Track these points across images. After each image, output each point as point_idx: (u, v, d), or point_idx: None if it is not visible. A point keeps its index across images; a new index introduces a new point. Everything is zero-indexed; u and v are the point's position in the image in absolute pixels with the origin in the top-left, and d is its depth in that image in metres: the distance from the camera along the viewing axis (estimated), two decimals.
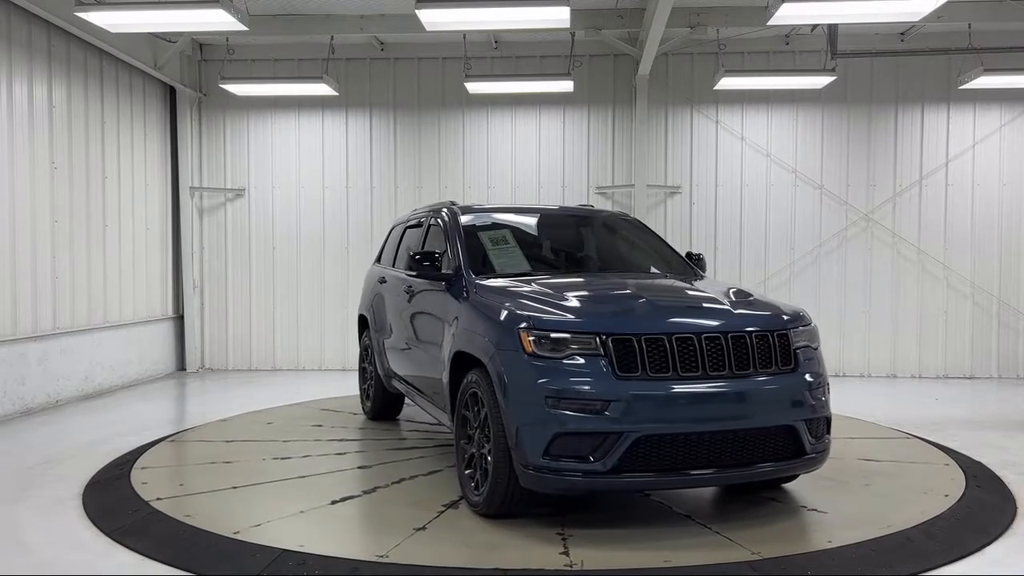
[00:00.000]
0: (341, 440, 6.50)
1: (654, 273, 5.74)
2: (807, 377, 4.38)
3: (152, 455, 6.01)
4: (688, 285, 5.18)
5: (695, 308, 4.66)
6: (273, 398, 8.47)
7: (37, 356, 7.90)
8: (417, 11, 6.85)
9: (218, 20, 7.25)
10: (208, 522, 4.40)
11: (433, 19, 7.07)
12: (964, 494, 4.99)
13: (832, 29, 9.14)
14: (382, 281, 6.97)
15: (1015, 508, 4.81)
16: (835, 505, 4.75)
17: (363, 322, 7.53)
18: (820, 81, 9.44)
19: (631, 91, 10.30)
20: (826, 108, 10.31)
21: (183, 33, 9.53)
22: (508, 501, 4.33)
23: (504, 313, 4.40)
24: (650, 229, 6.51)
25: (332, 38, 9.84)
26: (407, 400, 7.04)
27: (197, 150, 10.79)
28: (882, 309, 10.29)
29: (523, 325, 4.21)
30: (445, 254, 5.53)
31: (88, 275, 8.78)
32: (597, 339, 4.10)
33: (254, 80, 10.19)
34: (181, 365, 10.78)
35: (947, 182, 10.25)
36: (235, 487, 5.12)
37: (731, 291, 4.95)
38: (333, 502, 4.82)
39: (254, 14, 9.11)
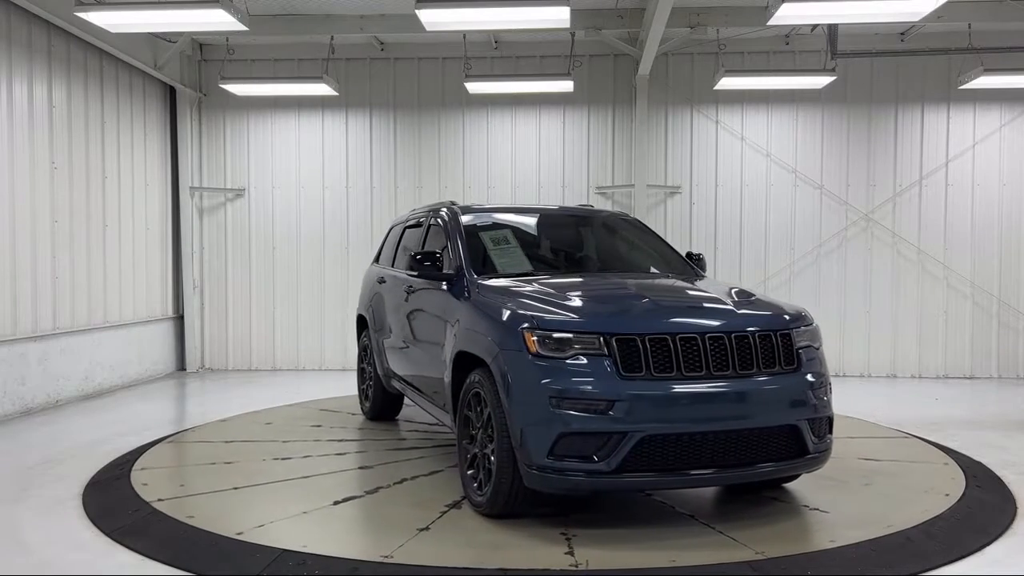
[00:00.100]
0: (341, 440, 6.49)
1: (655, 273, 5.74)
2: (809, 377, 4.39)
3: (152, 455, 6.00)
4: (690, 285, 5.19)
5: (698, 308, 4.67)
6: (273, 398, 8.46)
7: (37, 356, 7.89)
8: (417, 11, 6.84)
9: (218, 20, 7.25)
10: (210, 523, 4.40)
11: (433, 19, 7.07)
12: (964, 494, 5.00)
13: (832, 29, 9.15)
14: (381, 281, 6.96)
15: (1015, 508, 4.81)
16: (837, 505, 4.75)
17: (361, 322, 7.51)
18: (820, 81, 9.45)
19: (631, 91, 10.30)
20: (826, 108, 10.32)
21: (183, 33, 9.53)
22: (512, 501, 4.33)
23: (507, 313, 4.40)
24: (650, 229, 6.51)
25: (332, 38, 9.83)
26: (406, 400, 7.04)
27: (197, 150, 10.78)
28: (882, 309, 10.29)
29: (527, 325, 4.20)
30: (445, 254, 5.53)
31: (88, 275, 8.77)
32: (601, 339, 4.10)
33: (254, 80, 10.19)
34: (181, 365, 10.77)
35: (947, 182, 10.25)
36: (236, 488, 5.11)
37: (733, 291, 4.96)
38: (336, 502, 4.81)
39: (254, 14, 9.10)
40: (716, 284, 5.46)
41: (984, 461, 5.86)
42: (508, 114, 10.55)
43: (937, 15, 8.05)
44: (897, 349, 10.31)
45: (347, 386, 8.88)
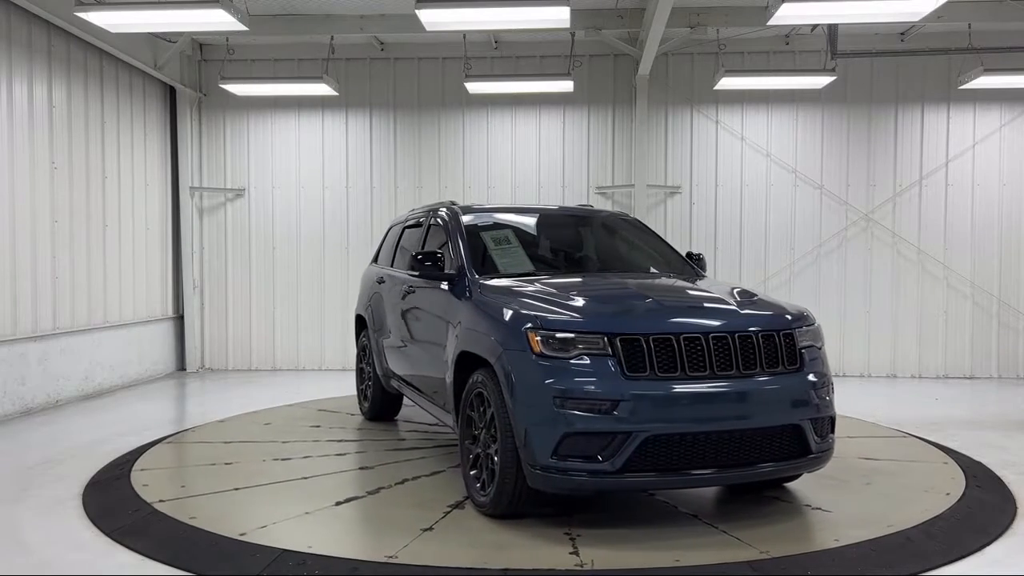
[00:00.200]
0: (341, 441, 6.48)
1: (656, 273, 5.74)
2: (812, 377, 4.39)
3: (152, 455, 5.99)
4: (692, 285, 5.19)
5: (701, 308, 4.66)
6: (273, 398, 8.45)
7: (37, 356, 7.87)
8: (417, 11, 6.84)
9: (218, 20, 7.24)
10: (212, 523, 4.39)
11: (433, 19, 7.06)
12: (964, 494, 5.00)
13: (832, 29, 9.15)
14: (380, 281, 6.95)
15: (1015, 508, 4.81)
16: (838, 504, 4.75)
17: (360, 322, 7.50)
18: (820, 81, 9.45)
19: (631, 91, 10.30)
20: (826, 108, 10.32)
21: (183, 33, 9.52)
22: (515, 501, 4.32)
23: (510, 313, 4.40)
24: (650, 229, 6.50)
25: (332, 38, 9.83)
26: (405, 400, 7.03)
27: (197, 150, 10.77)
28: (882, 309, 10.29)
29: (530, 325, 4.20)
30: (446, 254, 5.52)
31: (88, 275, 8.75)
32: (605, 339, 4.09)
33: (254, 80, 10.18)
34: (181, 365, 10.76)
35: (947, 182, 10.26)
36: (237, 488, 5.10)
37: (735, 291, 4.95)
38: (338, 503, 4.80)
39: (254, 14, 9.09)
40: (717, 284, 5.46)
41: (984, 461, 5.87)
42: (508, 114, 10.54)
43: (937, 15, 8.05)
44: (897, 349, 10.32)
45: (347, 386, 8.87)
